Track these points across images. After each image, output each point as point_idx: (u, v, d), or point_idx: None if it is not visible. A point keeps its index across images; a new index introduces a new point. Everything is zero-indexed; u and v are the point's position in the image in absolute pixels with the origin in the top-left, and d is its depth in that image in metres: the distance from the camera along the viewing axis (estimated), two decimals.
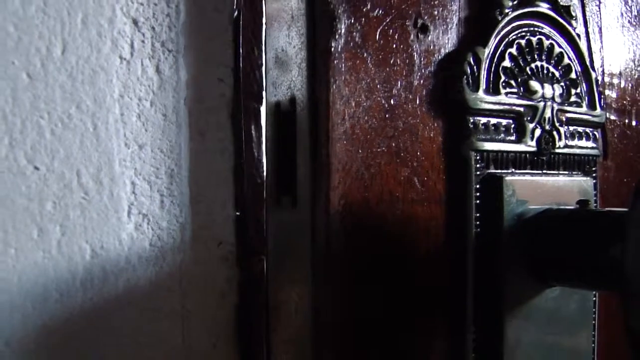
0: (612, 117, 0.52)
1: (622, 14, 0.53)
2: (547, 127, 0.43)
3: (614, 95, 0.53)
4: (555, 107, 0.43)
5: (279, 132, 0.40)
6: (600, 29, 0.49)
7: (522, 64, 0.42)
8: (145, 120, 0.36)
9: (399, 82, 0.38)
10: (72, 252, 0.36)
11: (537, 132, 0.42)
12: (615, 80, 0.53)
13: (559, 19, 0.44)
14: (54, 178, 0.35)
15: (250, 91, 0.42)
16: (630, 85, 0.54)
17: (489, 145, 0.40)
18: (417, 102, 0.39)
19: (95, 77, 0.35)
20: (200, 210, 0.39)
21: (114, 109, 0.36)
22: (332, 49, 0.35)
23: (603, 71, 0.50)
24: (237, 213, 0.40)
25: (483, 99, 0.39)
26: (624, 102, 0.53)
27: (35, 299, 0.35)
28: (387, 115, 0.37)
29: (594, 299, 0.46)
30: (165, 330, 0.39)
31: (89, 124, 0.35)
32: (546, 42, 0.43)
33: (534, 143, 0.42)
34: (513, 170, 0.42)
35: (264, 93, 0.43)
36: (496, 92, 0.40)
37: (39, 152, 0.34)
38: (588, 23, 0.47)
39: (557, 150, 0.44)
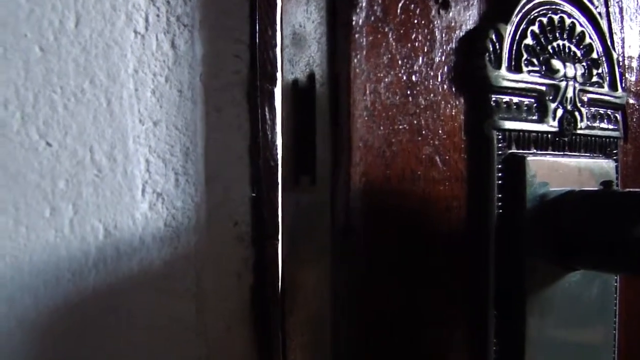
0: (631, 101, 0.51)
1: None
2: (569, 107, 0.42)
3: (633, 78, 0.52)
4: (577, 87, 0.42)
5: (297, 110, 0.39)
6: (621, 9, 0.48)
7: (544, 42, 0.41)
8: (160, 96, 0.35)
9: (421, 59, 0.37)
10: (85, 232, 0.35)
11: (559, 112, 0.41)
12: (635, 64, 0.52)
13: None
14: (67, 154, 0.34)
15: (264, 72, 0.41)
16: None
17: (511, 125, 0.39)
18: (439, 79, 0.38)
19: (109, 52, 0.34)
20: (215, 189, 0.38)
21: (128, 84, 0.35)
22: (354, 23, 0.34)
23: (623, 53, 0.49)
24: (253, 194, 0.39)
25: (505, 76, 0.38)
26: None
27: (47, 279, 0.34)
28: (408, 92, 0.36)
29: (615, 284, 0.45)
30: (180, 311, 0.38)
31: (103, 99, 0.34)
32: (568, 21, 0.42)
33: (555, 123, 0.41)
34: (535, 150, 0.41)
35: (278, 74, 0.42)
36: (518, 70, 0.39)
37: (51, 127, 0.33)
38: (609, 3, 0.46)
39: (579, 132, 0.43)
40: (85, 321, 0.35)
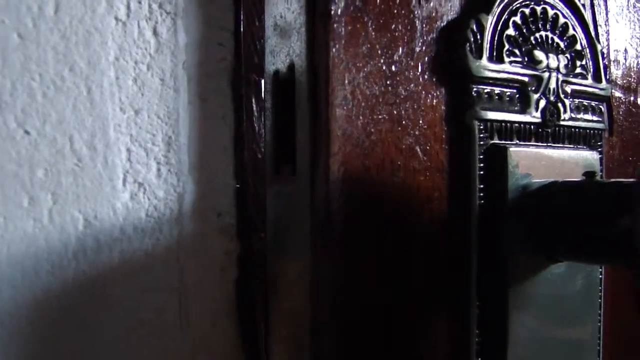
0: (617, 94, 0.51)
1: None
2: (552, 99, 0.42)
3: (619, 72, 0.52)
4: (560, 78, 0.42)
5: (278, 101, 0.39)
6: (606, 2, 0.49)
7: (526, 33, 0.41)
8: (142, 85, 0.36)
9: (401, 49, 0.37)
10: (64, 222, 0.35)
11: (542, 103, 0.41)
12: (621, 57, 0.52)
13: None
14: (46, 143, 0.34)
15: (251, 64, 0.41)
16: (636, 62, 0.53)
17: (492, 115, 0.39)
18: (419, 70, 0.38)
19: (90, 39, 0.34)
20: (199, 179, 0.38)
21: (108, 72, 0.35)
22: (332, 12, 0.34)
23: (608, 46, 0.49)
24: (237, 185, 0.39)
25: (487, 66, 0.38)
26: (629, 79, 0.52)
27: (26, 270, 0.34)
28: (388, 82, 0.36)
29: (600, 276, 0.45)
30: (162, 305, 0.38)
31: (83, 87, 0.34)
32: (551, 12, 0.42)
33: (538, 114, 0.41)
34: (517, 141, 0.41)
35: (264, 65, 0.42)
36: (500, 60, 0.39)
37: (30, 115, 0.33)
38: None
39: (562, 123, 0.43)
40: (64, 313, 0.35)
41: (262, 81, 0.42)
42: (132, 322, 0.37)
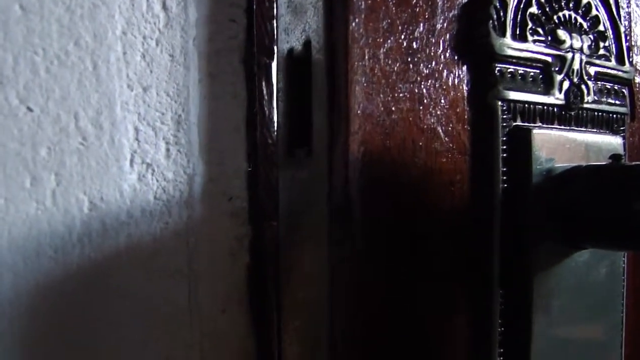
0: (638, 80, 0.50)
1: None
2: (576, 80, 0.40)
3: (639, 57, 0.50)
4: (584, 59, 0.41)
5: (292, 80, 0.37)
6: None
7: (549, 12, 0.39)
8: (151, 61, 0.34)
9: (422, 25, 0.35)
10: (69, 204, 0.33)
11: (566, 84, 0.40)
12: None
13: None
14: (49, 121, 0.32)
15: (262, 45, 0.39)
16: None
17: (515, 95, 0.37)
18: (441, 47, 0.36)
19: (96, 12, 0.32)
20: (209, 160, 0.36)
21: (115, 46, 0.33)
22: None
23: (630, 28, 0.48)
24: (249, 168, 0.37)
25: (510, 44, 0.37)
26: None
27: (27, 255, 0.32)
28: (409, 59, 0.35)
29: (623, 265, 0.43)
30: (171, 291, 0.36)
31: (88, 62, 0.32)
32: None
33: (562, 96, 0.40)
34: (540, 124, 0.39)
35: (275, 47, 0.41)
36: (523, 38, 0.38)
37: (32, 91, 0.31)
38: None
39: (586, 106, 0.41)
40: (68, 300, 0.33)
41: (273, 64, 0.40)
42: (139, 309, 0.35)
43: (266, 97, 0.39)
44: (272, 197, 0.38)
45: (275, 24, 0.40)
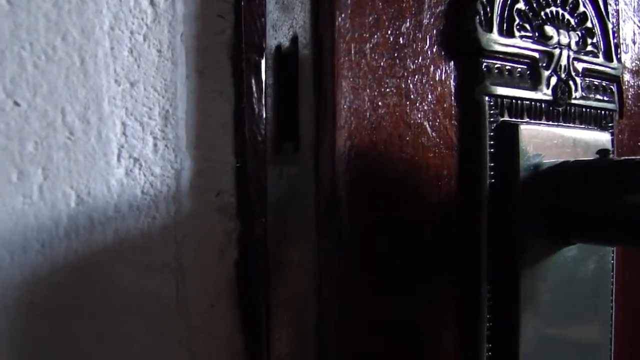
0: (626, 78, 0.50)
1: None
2: (563, 76, 0.41)
3: (628, 55, 0.50)
4: (572, 55, 0.41)
5: (280, 76, 0.37)
6: None
7: (537, 8, 0.40)
8: (138, 56, 0.34)
9: (408, 20, 0.36)
10: (56, 198, 0.33)
11: (553, 80, 0.40)
12: (629, 40, 0.51)
13: None
14: (36, 115, 0.32)
15: (251, 42, 0.39)
16: None
17: (503, 91, 0.38)
18: (428, 42, 0.36)
19: (84, 7, 0.32)
20: (197, 156, 0.36)
21: (103, 42, 0.33)
22: None
23: (618, 25, 0.48)
24: (238, 164, 0.37)
25: (497, 40, 0.37)
26: (639, 62, 0.51)
27: (14, 249, 0.32)
28: (395, 54, 0.35)
29: (612, 261, 0.43)
30: (158, 287, 0.36)
31: (76, 57, 0.33)
32: None
33: (549, 92, 0.40)
34: (528, 119, 0.39)
35: (264, 44, 0.41)
36: (510, 34, 0.38)
37: (19, 86, 0.31)
38: None
39: (574, 102, 0.41)
40: (55, 295, 0.33)
41: (262, 61, 0.40)
42: (127, 304, 0.35)
43: (255, 94, 0.39)
44: (260, 192, 0.38)
45: (264, 21, 0.41)
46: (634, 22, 0.51)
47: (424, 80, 0.36)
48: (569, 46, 0.41)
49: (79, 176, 0.33)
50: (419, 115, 0.36)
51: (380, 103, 0.34)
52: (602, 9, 0.44)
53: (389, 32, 0.35)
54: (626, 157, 0.38)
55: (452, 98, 0.37)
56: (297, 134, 0.35)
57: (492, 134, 0.37)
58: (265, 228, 0.39)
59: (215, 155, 0.37)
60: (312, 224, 0.36)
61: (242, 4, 0.38)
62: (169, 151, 0.35)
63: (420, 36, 0.36)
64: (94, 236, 0.34)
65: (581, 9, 0.42)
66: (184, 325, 0.37)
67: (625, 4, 0.50)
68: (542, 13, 0.40)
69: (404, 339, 0.36)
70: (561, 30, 0.40)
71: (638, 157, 0.36)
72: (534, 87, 0.39)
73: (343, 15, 0.33)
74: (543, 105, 0.40)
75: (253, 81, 0.39)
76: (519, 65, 0.39)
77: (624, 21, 0.50)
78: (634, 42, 0.52)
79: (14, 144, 0.32)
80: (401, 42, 0.35)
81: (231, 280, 0.38)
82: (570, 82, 0.41)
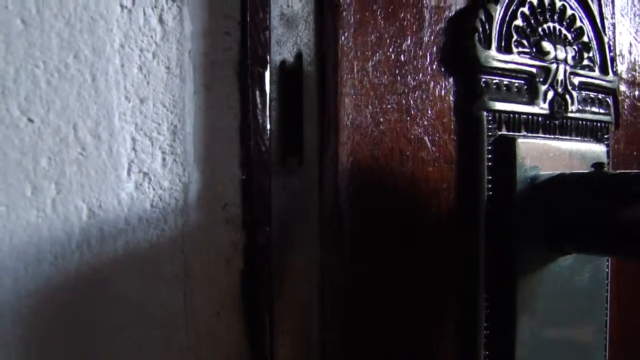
0: (622, 89, 0.51)
1: None
2: (560, 90, 0.42)
3: (624, 66, 0.52)
4: (568, 69, 0.42)
5: (285, 91, 0.38)
6: None
7: (534, 24, 0.41)
8: (147, 73, 0.35)
9: (409, 38, 0.37)
10: (68, 212, 0.34)
11: (550, 94, 0.41)
12: (625, 51, 0.52)
13: None
14: (49, 131, 0.33)
15: (256, 55, 0.40)
16: None
17: (501, 106, 0.39)
18: (428, 59, 0.37)
19: (95, 26, 0.34)
20: (204, 169, 0.37)
21: (114, 59, 0.34)
22: (341, 1, 0.34)
23: (614, 38, 0.49)
24: (244, 176, 0.39)
25: (495, 56, 0.38)
26: (634, 73, 0.52)
27: (28, 261, 0.34)
28: (396, 72, 0.36)
29: (607, 270, 0.44)
30: (167, 296, 0.37)
31: (87, 74, 0.34)
32: (558, 3, 0.42)
33: (546, 105, 0.41)
34: (525, 133, 0.40)
35: (268, 57, 0.42)
36: (508, 50, 0.39)
37: (33, 103, 0.33)
38: None
39: (570, 115, 0.42)
40: (67, 305, 0.34)
41: (267, 74, 0.41)
42: (136, 314, 0.36)
43: (260, 107, 0.40)
44: (265, 204, 0.39)
45: (268, 35, 0.42)
46: (630, 34, 0.52)
47: (424, 97, 0.37)
48: (565, 61, 0.42)
49: (90, 190, 0.34)
50: (419, 131, 0.37)
51: (381, 119, 0.35)
52: (599, 24, 0.45)
53: (391, 49, 0.36)
54: (621, 171, 0.39)
55: (452, 113, 0.38)
56: (301, 149, 0.36)
57: (490, 147, 0.39)
58: (270, 238, 0.40)
59: (222, 168, 0.38)
60: (315, 235, 0.37)
61: (247, 19, 0.39)
62: (177, 165, 0.36)
63: (420, 53, 0.37)
64: (105, 248, 0.35)
65: (578, 24, 0.43)
66: (191, 332, 0.38)
67: (622, 16, 0.52)
68: (540, 29, 0.41)
69: (404, 347, 0.37)
70: (558, 46, 0.42)
71: (633, 171, 0.37)
72: (531, 101, 0.40)
73: (346, 34, 0.34)
74: (540, 119, 0.41)
75: (257, 93, 0.40)
76: (516, 81, 0.40)
77: (620, 33, 0.51)
78: (630, 53, 0.53)
79: (28, 159, 0.33)
80: (402, 59, 0.36)
81: (236, 289, 0.39)
82: (567, 96, 0.42)
